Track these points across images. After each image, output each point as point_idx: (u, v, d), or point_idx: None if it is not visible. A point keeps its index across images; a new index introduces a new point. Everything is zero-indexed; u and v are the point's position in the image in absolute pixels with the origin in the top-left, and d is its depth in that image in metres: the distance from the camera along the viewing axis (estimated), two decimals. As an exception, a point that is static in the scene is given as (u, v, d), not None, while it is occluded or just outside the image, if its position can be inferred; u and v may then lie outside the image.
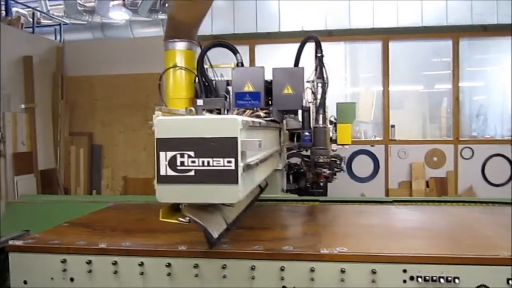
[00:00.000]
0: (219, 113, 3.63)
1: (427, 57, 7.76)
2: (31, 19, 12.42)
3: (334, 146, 4.26)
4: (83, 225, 3.33)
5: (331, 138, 4.34)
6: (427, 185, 7.00)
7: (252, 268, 2.48)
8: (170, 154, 2.04)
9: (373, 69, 7.81)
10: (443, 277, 2.32)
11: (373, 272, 2.37)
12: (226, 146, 2.00)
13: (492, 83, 8.07)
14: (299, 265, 2.45)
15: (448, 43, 7.27)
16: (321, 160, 3.80)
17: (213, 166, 2.01)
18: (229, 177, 2.01)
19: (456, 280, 2.31)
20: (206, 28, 7.40)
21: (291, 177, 4.17)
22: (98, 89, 8.22)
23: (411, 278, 2.35)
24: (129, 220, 3.53)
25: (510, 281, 2.28)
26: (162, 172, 2.05)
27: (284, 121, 3.88)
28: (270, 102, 4.02)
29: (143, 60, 8.14)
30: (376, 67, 7.44)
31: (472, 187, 7.02)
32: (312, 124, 3.88)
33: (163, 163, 2.04)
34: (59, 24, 13.69)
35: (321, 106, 3.87)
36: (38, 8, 13.23)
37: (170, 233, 2.90)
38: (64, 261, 2.71)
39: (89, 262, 2.68)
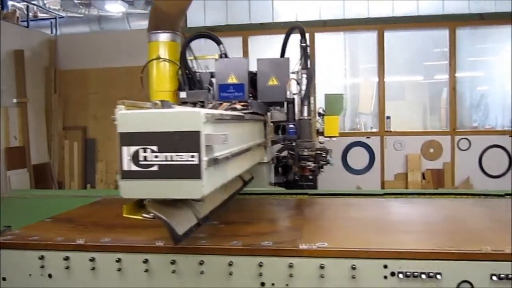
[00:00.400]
0: (203, 106, 3.54)
1: (427, 47, 7.63)
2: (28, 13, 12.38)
3: (321, 138, 4.20)
4: (66, 220, 3.29)
5: (318, 130, 4.28)
6: (423, 177, 6.93)
7: (230, 264, 2.44)
8: (133, 149, 1.97)
9: (373, 60, 7.68)
10: (424, 273, 2.27)
11: (353, 268, 2.32)
12: (189, 140, 1.93)
13: (494, 73, 7.94)
14: (277, 261, 2.40)
15: (446, 32, 7.13)
16: (305, 153, 3.71)
17: (176, 160, 1.94)
18: (193, 172, 1.94)
19: (438, 276, 2.26)
20: (199, 19, 7.33)
21: (280, 170, 4.09)
22: (92, 83, 8.15)
23: (392, 274, 2.29)
24: (113, 215, 3.47)
25: (493, 277, 2.23)
26: (125, 168, 1.98)
27: (269, 113, 3.78)
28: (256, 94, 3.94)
29: (138, 53, 8.01)
30: (376, 58, 7.31)
31: (469, 178, 6.94)
32: (297, 116, 3.80)
33: (126, 158, 1.97)
34: (55, 18, 13.64)
35: (306, 97, 3.77)
36: (34, 2, 13.17)
37: (151, 228, 2.84)
38: (42, 258, 2.66)
39: (66, 259, 2.63)
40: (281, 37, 7.19)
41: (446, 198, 3.86)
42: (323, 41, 7.37)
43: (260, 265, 2.40)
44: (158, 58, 3.93)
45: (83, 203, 3.96)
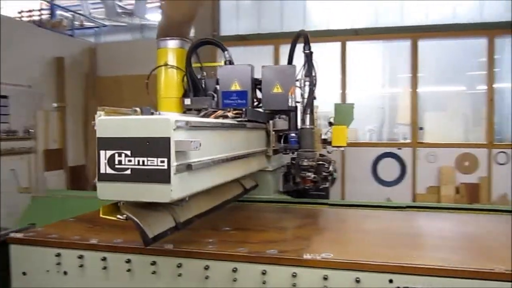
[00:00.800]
0: (205, 113, 3.54)
1: (469, 56, 7.32)
2: (75, 22, 13.03)
3: (330, 148, 4.11)
4: (87, 221, 3.40)
5: (326, 139, 4.17)
6: (457, 191, 6.65)
7: (234, 270, 2.44)
8: (109, 153, 2.06)
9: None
10: (432, 290, 2.18)
11: (357, 280, 2.26)
12: (159, 146, 1.99)
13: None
14: (281, 270, 2.38)
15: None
16: (305, 163, 3.59)
17: (147, 165, 2.01)
18: (162, 176, 1.99)
19: (445, 294, 2.17)
20: (232, 28, 7.43)
21: (291, 178, 4.01)
22: (125, 89, 8.42)
23: (397, 289, 2.22)
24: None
25: (504, 298, 2.11)
26: (102, 170, 2.06)
27: (271, 122, 3.68)
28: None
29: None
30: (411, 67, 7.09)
31: (507, 194, 6.59)
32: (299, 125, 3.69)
33: (103, 161, 2.06)
34: (98, 27, 14.25)
35: (308, 106, 3.65)
36: (80, 12, 13.83)
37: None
38: (58, 255, 2.77)
39: (80, 257, 2.73)
40: (313, 45, 7.21)
41: (468, 213, 3.70)
42: (358, 49, 7.26)
43: (264, 273, 2.39)
44: (166, 64, 3.94)
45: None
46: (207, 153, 2.39)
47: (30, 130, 7.28)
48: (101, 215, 2.25)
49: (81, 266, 2.73)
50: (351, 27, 6.79)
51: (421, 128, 6.88)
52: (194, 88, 3.85)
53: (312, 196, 3.95)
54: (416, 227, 3.26)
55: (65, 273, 2.76)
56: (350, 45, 6.93)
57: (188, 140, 2.04)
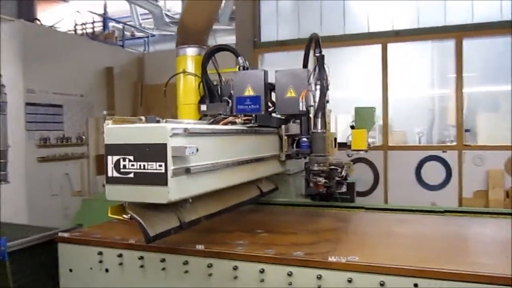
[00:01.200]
0: (216, 119, 3.60)
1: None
2: (127, 33, 13.69)
3: (350, 152, 4.07)
4: (129, 222, 3.59)
5: (346, 143, 4.14)
6: (507, 195, 6.33)
7: (261, 271, 2.52)
8: (115, 158, 2.26)
9: (465, 69, 7.13)
10: (457, 295, 2.15)
11: (381, 284, 2.27)
12: (157, 151, 2.17)
13: None
14: (306, 272, 2.44)
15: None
16: (315, 168, 3.54)
17: (148, 169, 2.19)
18: (160, 179, 2.17)
19: (471, 299, 2.13)
20: (272, 34, 7.53)
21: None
22: (171, 96, 8.74)
23: (423, 293, 2.21)
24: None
25: (536, 306, 2.04)
26: (109, 174, 2.27)
27: (283, 127, 3.68)
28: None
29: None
30: (468, 67, 6.82)
31: (562, 199, 6.19)
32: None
33: (110, 166, 2.26)
34: (147, 36, 14.87)
35: (320, 109, 3.60)
36: (130, 23, 14.51)
37: (194, 232, 3.05)
38: (100, 253, 2.98)
39: (120, 256, 2.92)
40: (352, 48, 7.19)
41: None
42: (403, 50, 7.12)
43: (289, 274, 2.46)
44: (184, 72, 4.04)
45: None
46: (209, 158, 2.53)
47: (82, 137, 7.75)
48: (109, 215, 2.46)
49: (120, 264, 2.92)
50: (391, 28, 6.68)
51: (467, 130, 6.63)
52: (210, 94, 3.89)
53: (336, 200, 3.95)
54: (451, 231, 3.19)
55: (106, 270, 2.96)
56: (394, 46, 6.79)
57: (183, 146, 2.19)
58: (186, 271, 2.72)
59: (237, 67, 3.89)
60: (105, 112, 8.09)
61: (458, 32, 6.38)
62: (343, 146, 4.17)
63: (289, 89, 3.66)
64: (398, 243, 2.85)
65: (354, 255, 2.44)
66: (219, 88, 3.93)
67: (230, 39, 11.79)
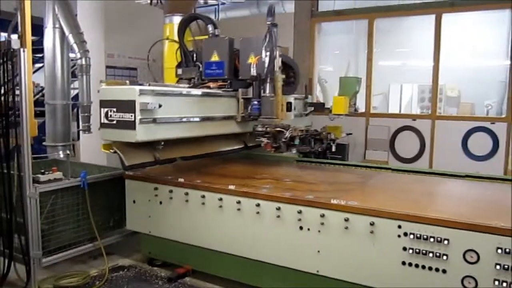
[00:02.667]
0: (194, 82, 4.15)
1: None
2: (201, 1, 14.36)
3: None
4: (181, 168, 4.24)
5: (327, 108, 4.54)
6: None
7: (278, 209, 3.07)
8: (105, 110, 3.28)
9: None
10: (433, 237, 2.55)
11: (371, 224, 2.72)
12: (130, 105, 3.15)
13: None
14: (312, 211, 2.94)
15: None
16: (259, 129, 3.84)
17: (124, 118, 3.17)
18: (131, 125, 3.16)
19: (445, 242, 2.52)
20: (329, 3, 7.72)
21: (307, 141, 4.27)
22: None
23: (405, 234, 2.63)
24: (217, 168, 4.30)
25: (498, 250, 2.39)
26: (102, 121, 3.34)
27: (240, 90, 4.01)
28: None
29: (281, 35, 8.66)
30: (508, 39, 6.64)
31: None
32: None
33: (103, 115, 3.28)
34: (218, 4, 15.46)
35: (268, 75, 3.81)
36: (202, -10, 15.14)
37: (229, 178, 3.66)
38: (156, 189, 3.71)
39: (170, 191, 3.62)
40: (406, 19, 7.20)
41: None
42: (477, 20, 6.93)
43: (299, 212, 2.98)
44: (167, 38, 4.49)
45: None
46: (175, 113, 3.46)
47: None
48: (101, 150, 3.47)
49: (170, 198, 3.63)
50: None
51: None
52: (186, 59, 4.31)
53: (330, 159, 4.45)
54: (453, 191, 3.53)
55: (160, 202, 3.69)
56: (467, 15, 6.61)
57: (147, 102, 3.12)
58: (220, 206, 3.34)
59: (208, 34, 4.24)
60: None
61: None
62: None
63: (250, 56, 3.99)
64: (398, 196, 3.24)
65: (356, 201, 2.89)
66: (194, 54, 4.32)
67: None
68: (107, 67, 7.58)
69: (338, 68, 7.80)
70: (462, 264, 2.47)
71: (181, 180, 3.59)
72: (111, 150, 3.48)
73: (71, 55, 4.44)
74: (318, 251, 2.92)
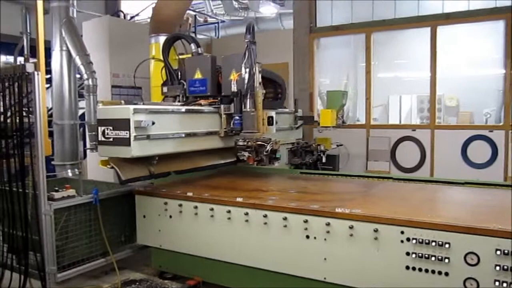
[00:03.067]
0: (179, 99, 4.31)
1: None
2: (200, 19, 14.67)
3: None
4: (188, 182, 4.36)
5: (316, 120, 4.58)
6: (558, 176, 6.29)
7: (284, 219, 3.18)
8: (102, 128, 3.50)
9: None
10: (435, 241, 2.66)
11: (375, 230, 2.83)
12: (125, 124, 3.38)
13: None
14: (318, 220, 3.05)
15: None
16: (240, 143, 3.96)
17: (120, 135, 3.38)
18: (126, 142, 3.39)
19: (447, 245, 2.62)
20: (326, 19, 7.93)
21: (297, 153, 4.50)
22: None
23: (408, 239, 2.74)
24: (225, 182, 4.43)
25: (498, 251, 2.49)
26: (100, 138, 3.57)
27: (222, 106, 4.12)
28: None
29: (269, 53, 8.59)
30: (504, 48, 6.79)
31: None
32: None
33: (100, 133, 3.48)
34: (217, 22, 15.77)
35: (248, 91, 3.93)
36: (203, 9, 15.47)
37: (234, 191, 3.77)
38: (165, 203, 3.82)
39: (180, 205, 3.73)
40: (402, 32, 7.38)
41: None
42: (475, 30, 7.09)
43: (305, 221, 3.09)
44: (153, 58, 4.66)
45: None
46: (167, 130, 3.69)
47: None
48: (99, 165, 3.67)
49: (180, 212, 3.74)
50: (442, 11, 6.79)
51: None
52: (170, 77, 4.46)
53: (321, 169, 4.56)
54: (453, 197, 3.64)
55: (170, 216, 3.80)
56: (463, 26, 6.76)
57: (140, 120, 3.35)
58: (229, 218, 3.46)
59: (191, 53, 4.39)
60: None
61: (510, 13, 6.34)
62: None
63: (232, 72, 4.10)
64: (405, 204, 3.35)
65: (359, 209, 3.01)
66: (179, 72, 4.47)
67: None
68: (113, 86, 7.79)
69: (338, 82, 7.97)
70: (464, 266, 2.57)
71: (190, 194, 3.71)
72: (108, 166, 3.69)
73: (77, 75, 4.61)
74: (325, 259, 3.02)
